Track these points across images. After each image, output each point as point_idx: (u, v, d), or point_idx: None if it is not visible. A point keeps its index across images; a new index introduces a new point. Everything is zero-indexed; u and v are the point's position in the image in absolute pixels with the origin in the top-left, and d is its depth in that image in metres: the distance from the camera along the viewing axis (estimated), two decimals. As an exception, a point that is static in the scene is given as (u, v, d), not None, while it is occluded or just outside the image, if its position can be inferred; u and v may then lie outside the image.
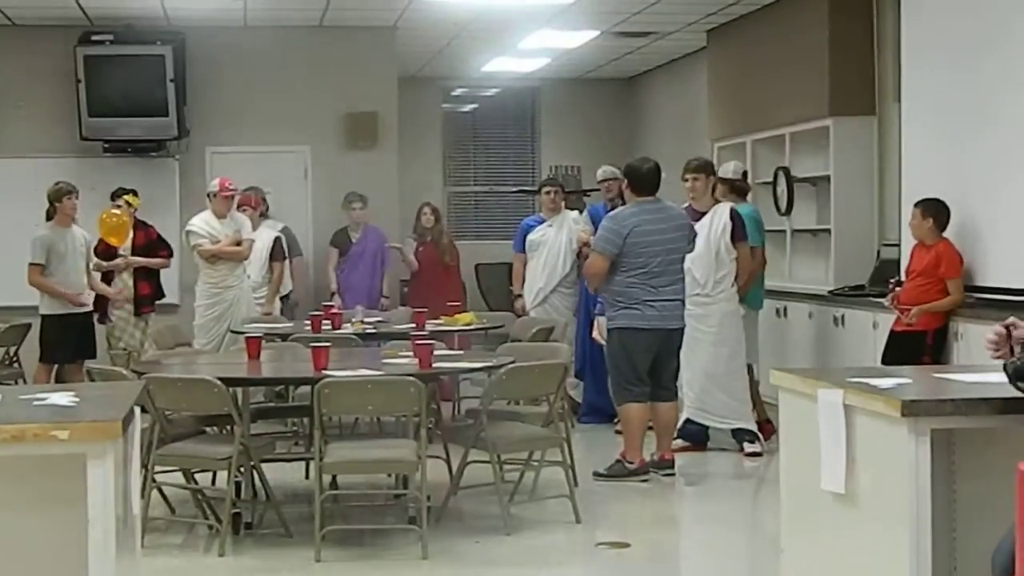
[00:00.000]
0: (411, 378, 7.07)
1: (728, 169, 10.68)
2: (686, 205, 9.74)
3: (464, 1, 12.17)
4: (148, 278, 11.62)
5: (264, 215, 12.26)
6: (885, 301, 9.23)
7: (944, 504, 4.60)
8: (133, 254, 11.51)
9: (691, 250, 9.18)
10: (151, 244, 11.67)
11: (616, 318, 8.95)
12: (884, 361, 8.98)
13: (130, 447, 4.39)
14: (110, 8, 12.29)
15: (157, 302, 11.78)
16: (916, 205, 9.09)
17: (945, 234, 9.02)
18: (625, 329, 8.89)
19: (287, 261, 12.41)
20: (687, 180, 9.84)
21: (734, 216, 9.79)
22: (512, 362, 7.78)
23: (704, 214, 9.78)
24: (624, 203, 9.38)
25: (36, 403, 4.32)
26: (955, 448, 4.67)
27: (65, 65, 12.80)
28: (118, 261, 11.39)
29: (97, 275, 11.25)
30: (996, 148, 8.81)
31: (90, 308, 11.12)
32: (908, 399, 4.27)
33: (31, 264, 10.72)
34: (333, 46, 13.54)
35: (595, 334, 9.53)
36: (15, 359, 11.67)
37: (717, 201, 9.90)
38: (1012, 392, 4.25)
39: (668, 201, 9.23)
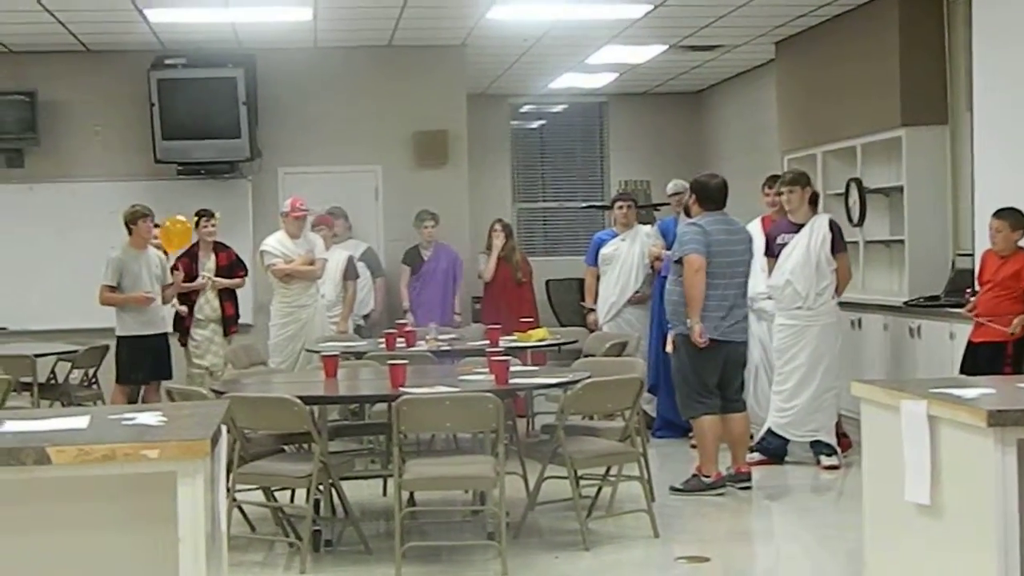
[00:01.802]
0: (489, 394, 7.10)
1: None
2: (758, 219, 9.73)
3: (532, 18, 12.21)
4: (232, 298, 11.74)
5: (335, 236, 12.29)
6: (964, 311, 9.14)
7: (1030, 514, 4.56)
8: (217, 274, 11.62)
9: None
10: (232, 265, 11.79)
11: (686, 330, 8.94)
12: (963, 372, 8.89)
13: (217, 466, 4.43)
14: (182, 32, 12.42)
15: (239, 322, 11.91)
16: (1001, 216, 8.91)
17: (1021, 243, 8.93)
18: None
19: (374, 281, 12.57)
20: (782, 192, 9.84)
21: (833, 227, 9.77)
22: (588, 377, 7.79)
23: (801, 226, 9.76)
24: (690, 218, 9.40)
25: (125, 423, 4.38)
26: (1040, 458, 4.63)
27: (139, 89, 12.95)
28: (203, 281, 11.51)
29: (172, 297, 11.37)
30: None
31: (167, 329, 11.23)
32: (994, 409, 4.24)
33: (102, 284, 10.85)
34: (402, 65, 13.61)
35: (668, 347, 9.53)
36: (94, 380, 11.80)
37: (814, 213, 9.88)
38: (1099, 401, 4.22)
39: (734, 217, 9.24)
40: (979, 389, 4.69)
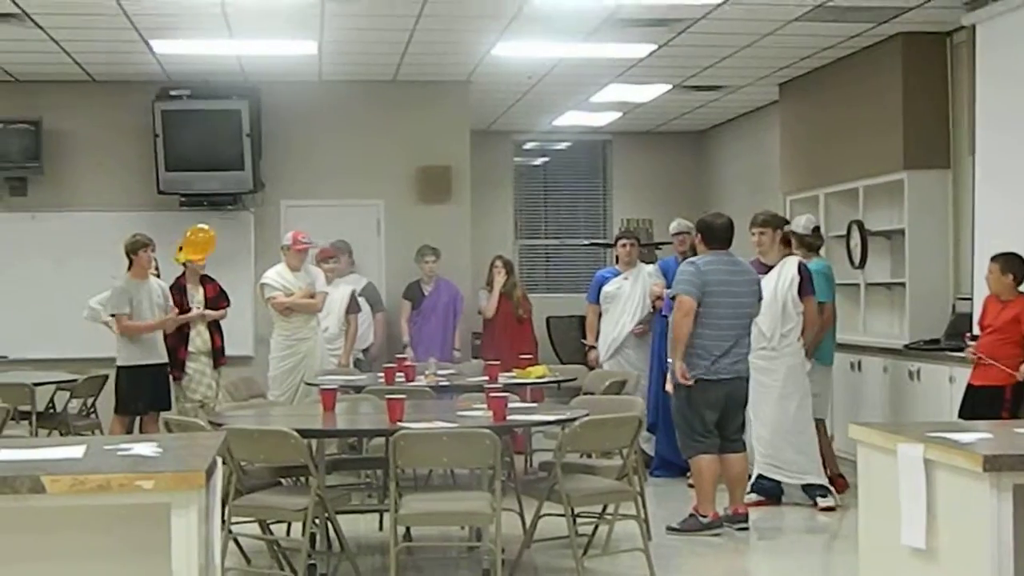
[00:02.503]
0: (486, 430, 7.09)
1: (799, 224, 10.66)
2: (752, 260, 9.75)
3: (536, 56, 12.25)
4: (219, 330, 11.69)
5: (334, 270, 12.27)
6: (966, 353, 9.12)
7: (1027, 560, 4.55)
8: (206, 307, 11.58)
9: (758, 307, 9.17)
10: (217, 297, 11.75)
11: (688, 368, 8.94)
12: (961, 416, 8.89)
13: (212, 498, 4.43)
14: (188, 64, 12.45)
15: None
16: (994, 260, 8.97)
17: (1022, 288, 8.94)
18: (694, 381, 8.90)
19: (373, 315, 12.61)
20: (754, 234, 9.87)
21: (802, 270, 9.78)
22: (586, 415, 7.78)
23: (771, 268, 9.78)
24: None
25: (120, 453, 4.38)
26: (1037, 504, 4.62)
27: (143, 120, 12.99)
28: (193, 314, 11.48)
29: (173, 327, 11.34)
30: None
31: (165, 360, 11.21)
32: (990, 454, 4.24)
33: (117, 315, 10.83)
34: (407, 100, 13.65)
35: (668, 386, 9.52)
36: (92, 410, 11.80)
37: (786, 255, 9.89)
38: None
39: (739, 256, 9.26)
40: (976, 434, 4.69)
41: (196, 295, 11.57)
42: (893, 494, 4.72)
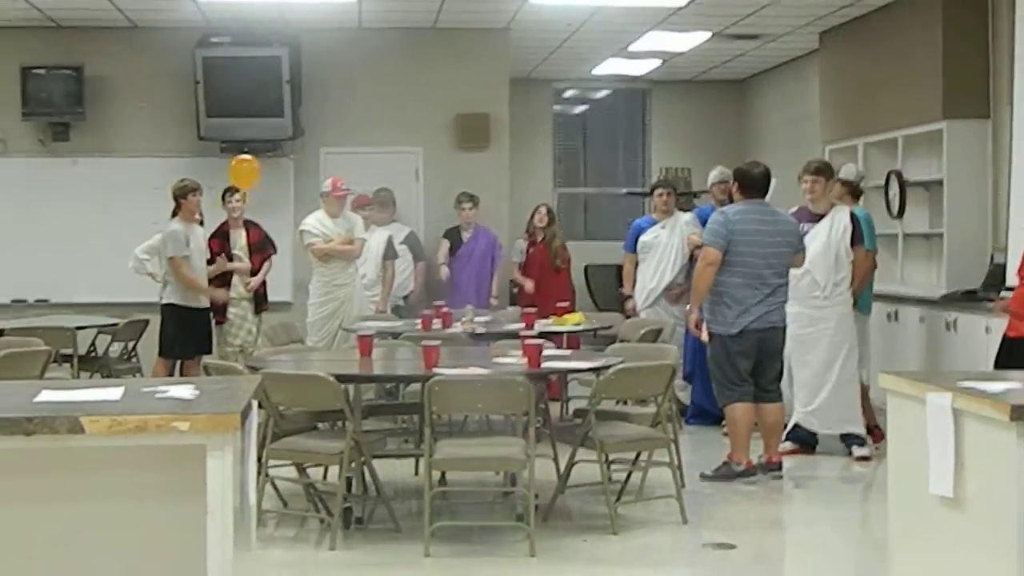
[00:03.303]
0: (520, 377, 7.15)
1: (851, 172, 10.64)
2: (794, 209, 9.74)
3: (576, 3, 12.24)
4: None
5: (376, 219, 12.36)
6: (996, 308, 9.12)
7: (1053, 510, 4.57)
8: (250, 252, 11.70)
9: (796, 258, 9.17)
10: (262, 242, 11.86)
11: (716, 319, 8.99)
12: (997, 366, 8.85)
13: (247, 440, 4.50)
14: (228, 10, 12.51)
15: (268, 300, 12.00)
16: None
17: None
18: (725, 331, 8.93)
19: (415, 264, 12.70)
20: (806, 181, 9.85)
21: (853, 219, 9.78)
22: (620, 362, 7.82)
23: (822, 216, 9.78)
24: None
25: (158, 395, 4.44)
26: (1065, 454, 4.64)
27: (184, 66, 13.05)
28: (243, 267, 11.59)
29: (216, 273, 11.48)
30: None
31: (208, 305, 11.32)
32: (1017, 403, 4.26)
33: (177, 257, 10.93)
34: (446, 47, 13.66)
35: (703, 335, 9.54)
36: (133, 354, 11.93)
37: (834, 204, 9.89)
38: (1124, 398, 4.23)
39: (777, 207, 9.26)
40: (1006, 383, 4.70)
41: (239, 240, 11.69)
42: (922, 443, 4.74)
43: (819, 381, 9.81)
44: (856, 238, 9.76)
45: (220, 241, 11.63)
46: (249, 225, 11.84)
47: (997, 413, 4.29)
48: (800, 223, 9.80)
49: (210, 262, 11.47)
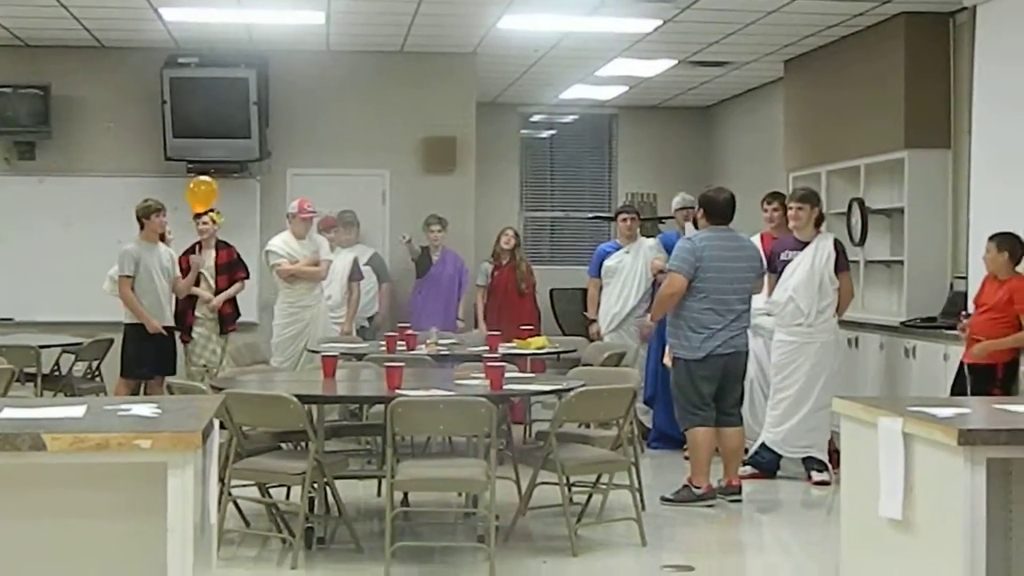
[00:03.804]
0: (482, 399, 7.21)
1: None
2: (757, 235, 9.84)
3: (542, 29, 12.31)
4: (230, 298, 11.84)
5: (332, 238, 12.41)
6: (958, 328, 9.23)
7: (1000, 533, 4.67)
8: (217, 273, 11.74)
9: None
10: (232, 264, 11.90)
11: (682, 344, 9.08)
12: (953, 393, 8.99)
13: (209, 459, 4.55)
14: (196, 31, 12.54)
15: (237, 320, 12.02)
16: (991, 239, 9.09)
17: (1019, 268, 9.03)
18: (690, 356, 9.02)
19: (379, 285, 12.76)
20: (791, 208, 9.98)
21: (837, 246, 9.90)
22: (582, 385, 7.89)
23: (806, 244, 9.89)
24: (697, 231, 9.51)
25: (120, 413, 4.50)
26: (1012, 478, 4.74)
27: (151, 87, 13.07)
28: (205, 295, 11.62)
29: (188, 287, 11.53)
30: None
31: (172, 324, 11.35)
32: (965, 428, 4.35)
33: (121, 276, 10.98)
34: (413, 71, 13.72)
35: (666, 359, 9.63)
36: (97, 373, 11.92)
37: (819, 232, 10.01)
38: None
39: (740, 232, 9.37)
40: (955, 409, 4.80)
41: (208, 260, 11.73)
42: (874, 467, 4.83)
43: (794, 407, 9.91)
44: (841, 264, 9.87)
45: (187, 259, 11.67)
46: (221, 246, 11.89)
47: (945, 437, 4.38)
48: (784, 250, 9.93)
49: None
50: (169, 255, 11.36)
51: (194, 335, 11.65)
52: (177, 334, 11.53)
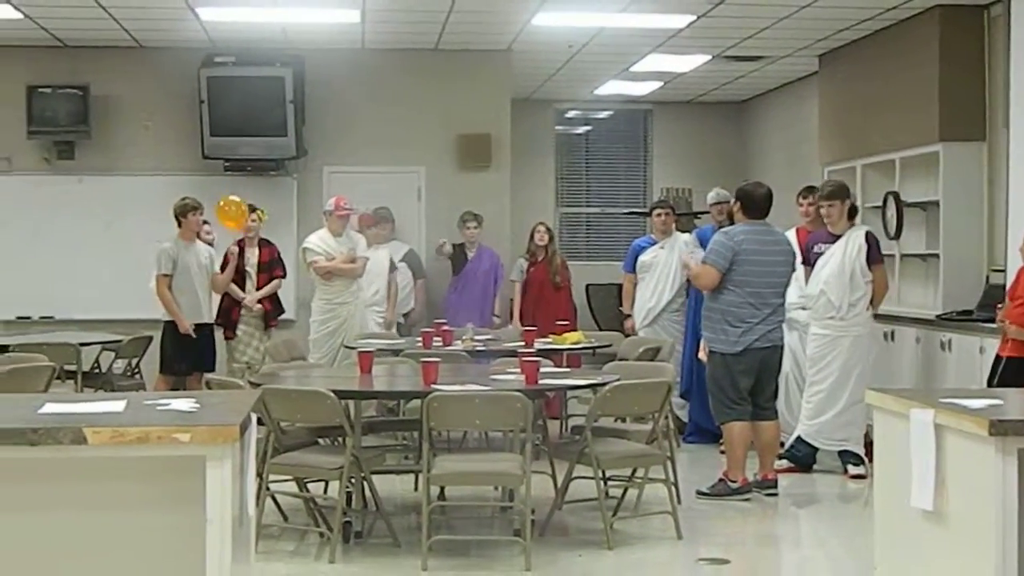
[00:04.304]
0: (517, 393, 7.25)
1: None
2: (793, 229, 9.86)
3: (577, 25, 12.35)
4: (271, 297, 11.98)
5: (375, 235, 12.51)
6: (996, 320, 9.21)
7: (1032, 523, 4.68)
8: (259, 271, 11.91)
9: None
10: (272, 262, 12.03)
11: (719, 338, 9.10)
12: (989, 385, 8.97)
13: (247, 452, 4.60)
14: (232, 31, 12.63)
15: (280, 317, 12.16)
16: (1027, 230, 9.09)
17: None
18: (728, 350, 9.05)
19: (415, 282, 12.85)
20: (822, 207, 9.98)
21: (869, 238, 9.90)
22: (617, 380, 7.93)
23: (839, 237, 9.90)
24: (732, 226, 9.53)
25: (159, 408, 4.56)
26: (1044, 468, 4.75)
27: (189, 86, 13.18)
28: (240, 294, 11.75)
29: (227, 283, 11.69)
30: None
31: (210, 320, 11.45)
32: (995, 419, 4.37)
33: (159, 275, 11.08)
34: (448, 68, 13.78)
35: (701, 353, 9.66)
36: (137, 370, 12.03)
37: (852, 224, 10.01)
38: (1101, 414, 4.34)
39: (776, 227, 9.39)
40: (987, 400, 4.81)
41: (252, 258, 11.92)
42: (907, 458, 4.85)
43: (828, 400, 9.93)
44: (873, 257, 9.87)
45: (234, 256, 11.82)
46: (263, 244, 12.03)
47: (976, 428, 4.40)
48: (818, 243, 9.94)
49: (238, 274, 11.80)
50: (208, 252, 11.47)
51: (239, 332, 11.78)
52: (221, 330, 11.67)
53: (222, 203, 11.84)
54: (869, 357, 10.01)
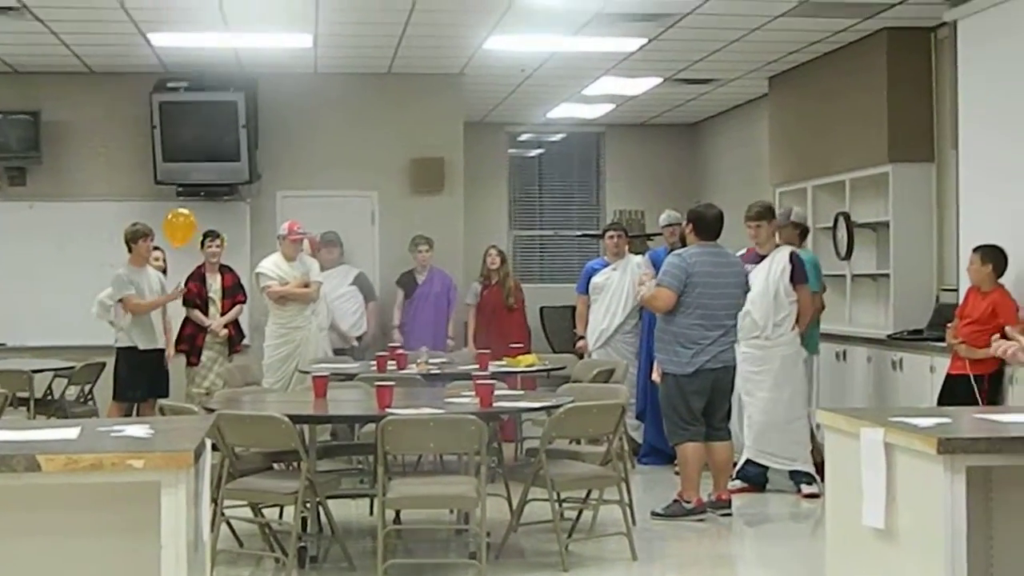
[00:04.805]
0: (472, 416, 7.27)
1: (800, 215, 11.01)
2: (741, 252, 9.92)
3: (529, 49, 12.40)
4: (234, 321, 12.00)
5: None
6: (948, 337, 9.29)
7: (981, 540, 4.74)
8: (223, 296, 11.95)
9: (744, 298, 9.37)
10: (235, 287, 12.05)
11: (671, 359, 9.14)
12: (939, 404, 9.07)
13: (201, 478, 4.61)
14: (185, 56, 12.62)
15: (242, 342, 12.21)
16: (975, 251, 9.19)
17: (1002, 280, 9.11)
18: (680, 371, 9.09)
19: (366, 305, 12.85)
20: (750, 227, 10.03)
21: (793, 258, 9.96)
22: (571, 402, 7.96)
23: (764, 257, 9.96)
24: (684, 247, 9.58)
25: (113, 434, 4.56)
26: (992, 486, 4.81)
27: (141, 111, 13.14)
28: (205, 321, 11.77)
29: (194, 312, 11.76)
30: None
31: (163, 347, 11.43)
32: (944, 437, 4.42)
33: (124, 297, 11.06)
34: (401, 92, 13.80)
35: (655, 375, 9.69)
36: (89, 397, 11.97)
37: (777, 245, 10.09)
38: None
39: (727, 248, 9.45)
40: (936, 419, 4.87)
41: (215, 284, 11.92)
42: (858, 477, 4.90)
43: (766, 419, 9.98)
44: (797, 276, 9.93)
45: (197, 284, 11.85)
46: (224, 270, 12.04)
47: (925, 446, 4.46)
48: (746, 264, 10.00)
49: (188, 303, 11.78)
50: (158, 278, 11.45)
51: (203, 358, 11.78)
52: (184, 357, 11.69)
53: (170, 216, 11.84)
54: (799, 376, 10.04)
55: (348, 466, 10.00)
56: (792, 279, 9.90)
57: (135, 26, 11.28)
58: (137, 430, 4.62)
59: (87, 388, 11.95)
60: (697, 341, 9.08)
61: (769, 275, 9.88)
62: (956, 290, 10.20)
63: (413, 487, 7.71)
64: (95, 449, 4.25)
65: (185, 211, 12.03)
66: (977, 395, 8.75)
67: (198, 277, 11.94)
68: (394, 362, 10.31)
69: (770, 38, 11.80)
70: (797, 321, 9.96)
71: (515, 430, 10.82)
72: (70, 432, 4.61)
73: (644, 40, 11.89)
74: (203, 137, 13.12)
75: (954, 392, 8.99)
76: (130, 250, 11.20)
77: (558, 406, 7.90)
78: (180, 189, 13.28)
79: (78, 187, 13.54)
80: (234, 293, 12.04)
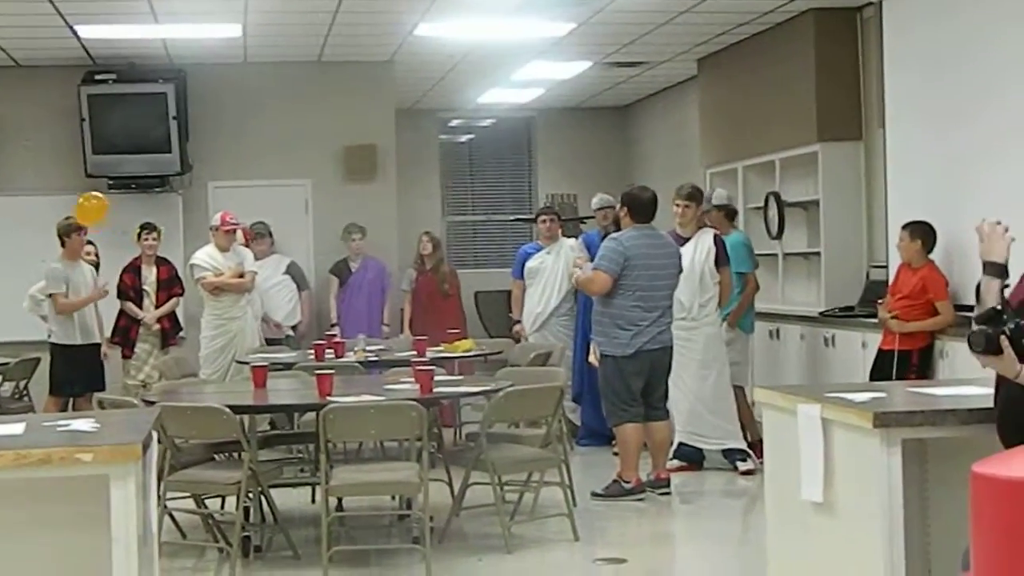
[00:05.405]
0: (412, 402, 7.32)
1: (721, 196, 11.04)
2: (669, 231, 10.02)
3: (458, 35, 12.42)
4: (170, 314, 11.99)
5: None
6: (880, 311, 9.42)
7: (917, 511, 4.85)
8: (158, 288, 11.93)
9: (679, 279, 9.47)
10: (170, 280, 12.02)
11: (610, 341, 9.21)
12: (871, 379, 9.20)
13: (148, 470, 4.63)
14: (113, 48, 12.54)
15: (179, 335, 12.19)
16: (904, 227, 9.32)
17: (932, 255, 9.25)
18: (619, 353, 9.17)
19: (299, 293, 12.85)
20: (677, 206, 10.12)
21: (717, 241, 10.08)
22: (510, 386, 8.03)
23: (688, 240, 10.05)
24: (618, 230, 9.65)
25: (59, 429, 4.58)
26: (928, 457, 4.92)
27: (69, 104, 13.06)
28: (140, 313, 11.77)
29: (127, 305, 11.76)
30: (978, 167, 9.06)
31: (98, 341, 11.40)
32: (880, 411, 4.52)
33: (53, 295, 11.02)
34: (331, 81, 13.79)
35: (591, 357, 9.77)
36: (25, 393, 11.90)
37: (700, 227, 10.18)
38: (979, 403, 4.50)
39: (661, 230, 9.54)
40: (871, 394, 4.97)
41: (149, 276, 11.89)
42: (795, 452, 5.00)
43: (695, 400, 10.08)
44: (721, 259, 10.05)
45: (132, 276, 11.84)
46: (160, 262, 12.02)
47: (861, 421, 4.55)
48: None
49: (122, 295, 11.77)
50: (91, 272, 11.41)
51: (137, 350, 11.76)
52: (119, 349, 11.65)
53: (81, 200, 11.79)
54: (723, 355, 10.16)
55: (289, 455, 10.01)
56: (716, 262, 10.01)
57: (62, 18, 11.20)
58: (83, 424, 4.64)
59: (22, 384, 11.87)
60: (636, 323, 9.15)
61: (695, 257, 9.97)
62: (886, 267, 10.35)
63: (355, 474, 7.75)
64: (43, 444, 4.27)
65: (99, 194, 11.97)
66: (908, 369, 8.90)
67: (133, 269, 11.92)
68: (332, 351, 10.33)
69: (698, 20, 11.88)
70: (719, 302, 10.08)
71: (454, 415, 10.87)
72: (15, 428, 4.62)
73: (573, 24, 11.94)
74: (133, 129, 13.06)
75: (885, 367, 9.13)
76: (63, 244, 11.15)
77: (497, 390, 7.97)
78: (111, 182, 13.20)
79: (8, 181, 13.43)
80: (170, 286, 12.02)
